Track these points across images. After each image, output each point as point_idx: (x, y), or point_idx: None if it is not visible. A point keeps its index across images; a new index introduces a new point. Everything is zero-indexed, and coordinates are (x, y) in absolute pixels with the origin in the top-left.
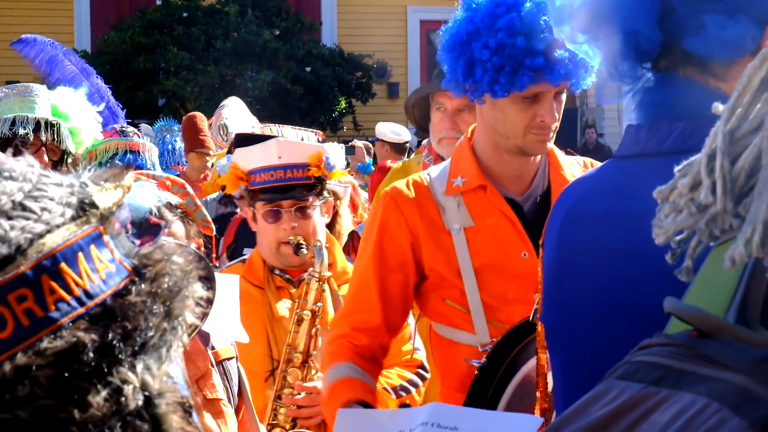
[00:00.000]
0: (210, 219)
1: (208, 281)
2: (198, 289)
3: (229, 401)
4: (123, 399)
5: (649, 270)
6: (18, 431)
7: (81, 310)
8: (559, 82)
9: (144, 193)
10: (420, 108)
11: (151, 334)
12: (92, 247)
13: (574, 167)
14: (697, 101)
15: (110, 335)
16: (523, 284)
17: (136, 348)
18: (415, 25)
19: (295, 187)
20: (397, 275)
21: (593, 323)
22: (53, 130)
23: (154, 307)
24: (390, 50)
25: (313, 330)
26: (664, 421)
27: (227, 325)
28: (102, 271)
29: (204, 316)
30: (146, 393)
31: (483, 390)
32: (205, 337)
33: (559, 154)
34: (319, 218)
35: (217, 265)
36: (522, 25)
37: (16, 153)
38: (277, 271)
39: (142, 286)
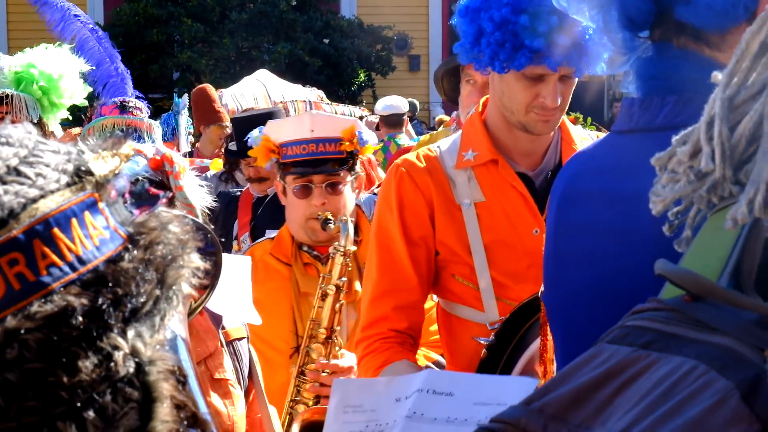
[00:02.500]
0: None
1: (209, 253)
2: (195, 260)
3: (239, 382)
4: (113, 365)
5: (640, 248)
6: (6, 394)
7: (73, 276)
8: (558, 67)
9: (126, 170)
10: (450, 80)
11: (142, 300)
12: (86, 213)
13: (587, 142)
14: (691, 72)
15: (100, 300)
16: (534, 261)
17: (127, 314)
18: None
19: (327, 162)
20: (422, 249)
21: (589, 303)
22: (8, 101)
23: (147, 274)
24: (411, 21)
25: (338, 305)
26: (651, 383)
27: (239, 306)
28: (95, 238)
29: (209, 289)
30: (137, 360)
31: (491, 368)
32: (216, 319)
33: (572, 128)
34: (349, 194)
35: (238, 247)
36: (528, 3)
37: None
38: (305, 248)
39: (135, 252)
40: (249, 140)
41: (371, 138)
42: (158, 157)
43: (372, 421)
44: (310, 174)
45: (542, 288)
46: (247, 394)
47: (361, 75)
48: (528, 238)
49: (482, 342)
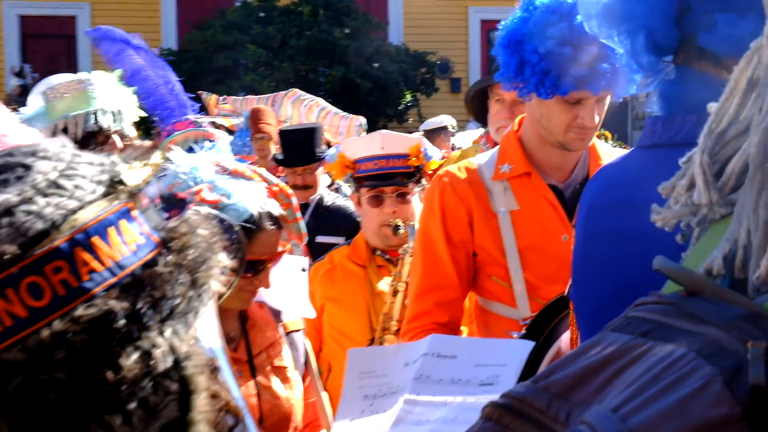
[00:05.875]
0: (305, 231)
1: (235, 250)
2: (223, 259)
3: (296, 369)
4: (152, 361)
5: (658, 254)
6: (56, 391)
7: (112, 280)
8: (600, 92)
9: (250, 196)
10: (479, 100)
11: (177, 301)
12: (122, 221)
13: (611, 157)
14: (710, 94)
15: (139, 303)
16: (563, 264)
17: (164, 314)
18: (475, 24)
19: (396, 175)
20: (462, 252)
21: (612, 302)
22: (120, 117)
23: (181, 276)
24: (452, 48)
25: (407, 301)
26: (645, 367)
27: (295, 302)
28: (131, 244)
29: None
30: (175, 356)
31: None
32: (276, 313)
33: (600, 145)
34: (417, 203)
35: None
36: (571, 36)
37: (94, 145)
38: (378, 252)
39: (169, 257)
40: (326, 156)
41: (435, 153)
42: (275, 189)
43: (384, 384)
44: (382, 186)
45: (568, 287)
46: (303, 380)
47: (407, 96)
48: (557, 243)
49: (515, 336)
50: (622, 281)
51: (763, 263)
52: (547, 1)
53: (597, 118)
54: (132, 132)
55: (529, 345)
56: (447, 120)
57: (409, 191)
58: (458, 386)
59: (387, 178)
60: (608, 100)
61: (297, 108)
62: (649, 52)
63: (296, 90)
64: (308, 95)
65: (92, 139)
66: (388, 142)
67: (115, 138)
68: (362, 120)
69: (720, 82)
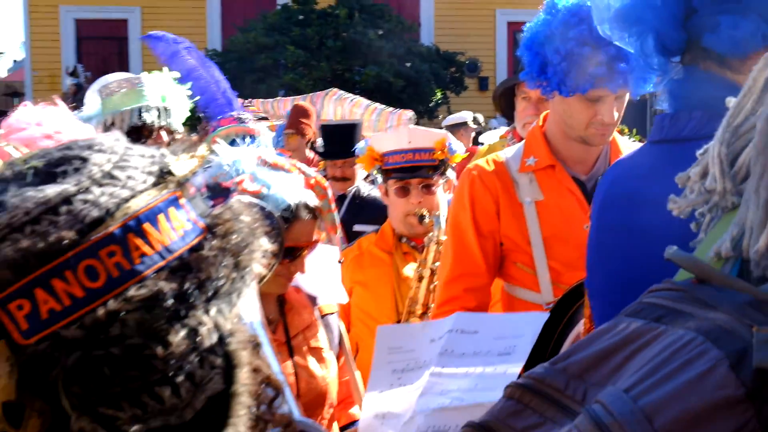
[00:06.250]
0: (339, 222)
1: (275, 235)
2: (264, 243)
3: (330, 349)
4: (199, 338)
5: (664, 245)
6: (111, 365)
7: (162, 263)
8: (618, 90)
9: (289, 187)
10: (506, 98)
11: (222, 283)
12: (171, 209)
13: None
14: (714, 93)
15: (186, 284)
16: (585, 252)
17: (210, 295)
18: (503, 26)
19: (422, 168)
20: (490, 241)
21: (621, 290)
22: (167, 114)
23: (225, 259)
24: (480, 48)
25: (432, 286)
26: (656, 350)
27: (329, 287)
28: (179, 230)
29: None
30: (219, 333)
31: (545, 341)
32: (312, 298)
33: (620, 139)
34: (441, 194)
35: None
36: (590, 37)
37: (141, 139)
38: (404, 239)
39: (214, 242)
40: (356, 149)
41: (459, 148)
42: (312, 181)
43: (411, 359)
44: (408, 178)
45: None
46: (337, 360)
47: (438, 94)
48: (580, 232)
49: None
50: (629, 271)
51: (762, 238)
52: (568, 4)
53: (616, 115)
54: (180, 127)
55: (543, 317)
56: (467, 116)
57: (434, 183)
58: (479, 358)
59: (413, 171)
60: (627, 97)
61: (341, 105)
62: (659, 53)
63: (336, 89)
64: (349, 94)
65: (138, 134)
66: (415, 136)
67: (162, 133)
68: (410, 113)
69: (723, 81)
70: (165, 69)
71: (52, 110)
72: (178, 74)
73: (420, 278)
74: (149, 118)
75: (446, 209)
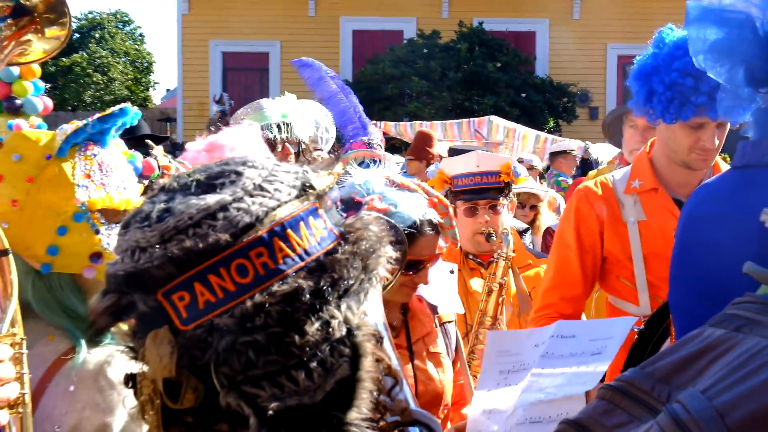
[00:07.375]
0: (459, 237)
1: (399, 244)
2: (389, 251)
3: (447, 355)
4: (330, 329)
5: (743, 261)
6: (255, 350)
7: (301, 264)
8: (718, 117)
9: (413, 205)
10: (615, 126)
11: (352, 282)
12: (311, 218)
13: None
14: None
15: (322, 283)
16: None
17: (341, 292)
18: (613, 59)
19: (489, 190)
20: (590, 255)
21: (701, 303)
22: (288, 129)
23: (355, 263)
24: (591, 80)
25: (500, 299)
26: (735, 355)
27: (447, 298)
28: (317, 236)
29: (398, 269)
30: (348, 326)
31: (641, 350)
32: (432, 307)
33: (723, 165)
34: (506, 214)
35: None
36: (693, 69)
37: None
38: (470, 256)
39: (346, 247)
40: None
41: (523, 171)
42: (435, 200)
43: (517, 362)
44: (477, 199)
45: None
46: (453, 365)
47: (551, 122)
48: None
49: (635, 330)
50: (709, 285)
51: None
52: (675, 38)
53: (717, 141)
54: (305, 138)
55: (631, 320)
56: (571, 145)
57: (499, 204)
58: (575, 358)
59: (481, 192)
60: (728, 125)
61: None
62: (748, 84)
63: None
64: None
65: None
66: (483, 161)
67: (288, 146)
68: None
69: None
70: (314, 92)
71: (246, 133)
72: (317, 96)
73: (489, 292)
74: (270, 133)
75: (509, 227)
